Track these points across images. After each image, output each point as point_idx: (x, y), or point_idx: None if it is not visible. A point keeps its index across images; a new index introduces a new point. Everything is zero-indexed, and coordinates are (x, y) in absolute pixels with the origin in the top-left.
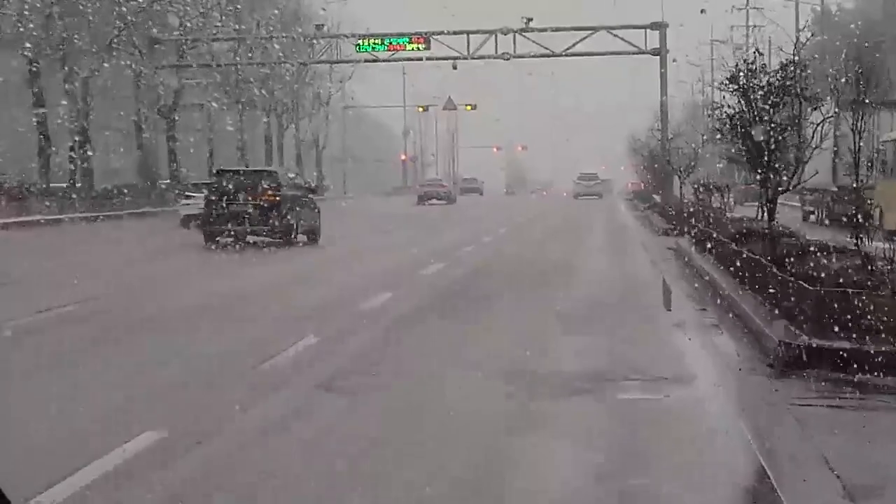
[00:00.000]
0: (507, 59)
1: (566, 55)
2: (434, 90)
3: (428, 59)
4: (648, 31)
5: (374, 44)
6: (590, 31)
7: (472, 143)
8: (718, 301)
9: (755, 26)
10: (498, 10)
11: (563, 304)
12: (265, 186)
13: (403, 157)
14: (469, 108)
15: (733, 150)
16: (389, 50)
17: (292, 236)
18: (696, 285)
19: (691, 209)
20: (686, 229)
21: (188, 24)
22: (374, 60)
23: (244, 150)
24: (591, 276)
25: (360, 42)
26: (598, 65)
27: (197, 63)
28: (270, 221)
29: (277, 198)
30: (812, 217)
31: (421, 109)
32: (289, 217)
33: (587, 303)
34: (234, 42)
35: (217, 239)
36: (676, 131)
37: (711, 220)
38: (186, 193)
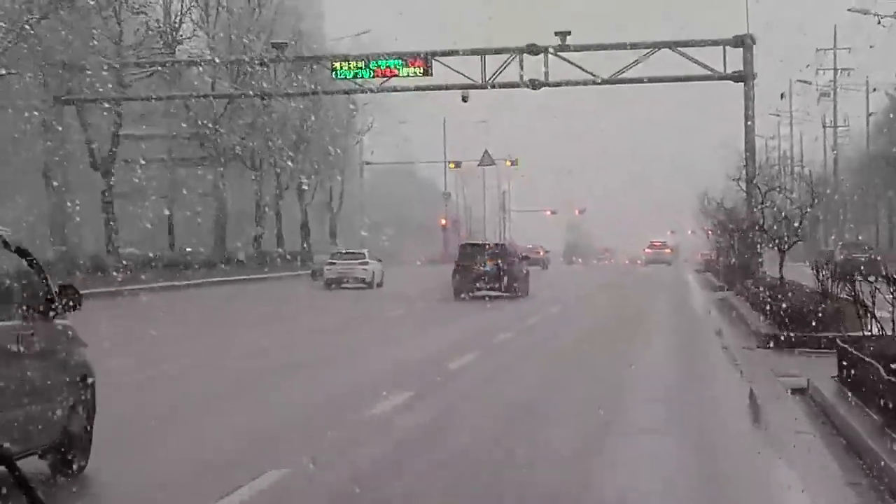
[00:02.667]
0: (538, 88)
1: (616, 82)
2: (478, 144)
3: (430, 87)
4: (729, 48)
5: (357, 68)
6: (648, 50)
7: (517, 202)
8: None
9: (843, 70)
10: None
11: None
12: (498, 255)
13: (443, 221)
14: (512, 163)
15: None
16: (377, 76)
17: (515, 292)
18: None
19: (810, 304)
20: (813, 345)
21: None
22: (362, 91)
23: (224, 214)
24: None
25: (338, 66)
26: (658, 94)
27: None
28: (502, 281)
29: (507, 265)
30: None
31: (452, 167)
32: (513, 278)
33: None
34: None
35: (462, 294)
36: (770, 182)
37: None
38: (329, 261)
